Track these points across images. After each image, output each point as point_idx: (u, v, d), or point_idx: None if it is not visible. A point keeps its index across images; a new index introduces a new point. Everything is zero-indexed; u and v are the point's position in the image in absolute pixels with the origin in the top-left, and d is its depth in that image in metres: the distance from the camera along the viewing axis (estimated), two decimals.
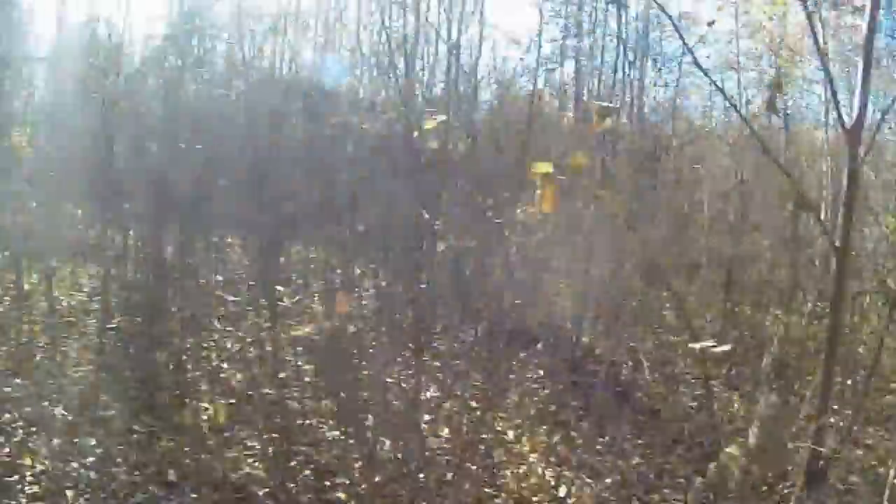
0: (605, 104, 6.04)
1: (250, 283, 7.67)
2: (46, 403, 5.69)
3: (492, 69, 11.02)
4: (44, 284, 6.95)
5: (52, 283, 6.76)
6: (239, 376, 6.43)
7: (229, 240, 8.84)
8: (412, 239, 6.22)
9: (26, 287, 7.08)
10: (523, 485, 5.11)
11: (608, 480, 5.33)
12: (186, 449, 5.29)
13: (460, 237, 6.16)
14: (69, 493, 4.76)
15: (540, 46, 10.82)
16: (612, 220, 6.04)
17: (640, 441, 5.93)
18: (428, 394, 5.72)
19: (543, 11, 11.06)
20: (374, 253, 7.63)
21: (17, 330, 6.47)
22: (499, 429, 5.49)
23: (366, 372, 5.62)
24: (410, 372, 5.68)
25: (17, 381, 5.95)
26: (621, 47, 9.89)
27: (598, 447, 5.74)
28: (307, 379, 6.24)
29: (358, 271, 7.33)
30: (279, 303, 6.15)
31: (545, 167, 3.57)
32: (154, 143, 7.41)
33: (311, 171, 8.03)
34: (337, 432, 5.70)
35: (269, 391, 5.88)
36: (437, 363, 5.75)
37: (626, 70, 10.13)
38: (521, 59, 10.25)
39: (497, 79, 10.60)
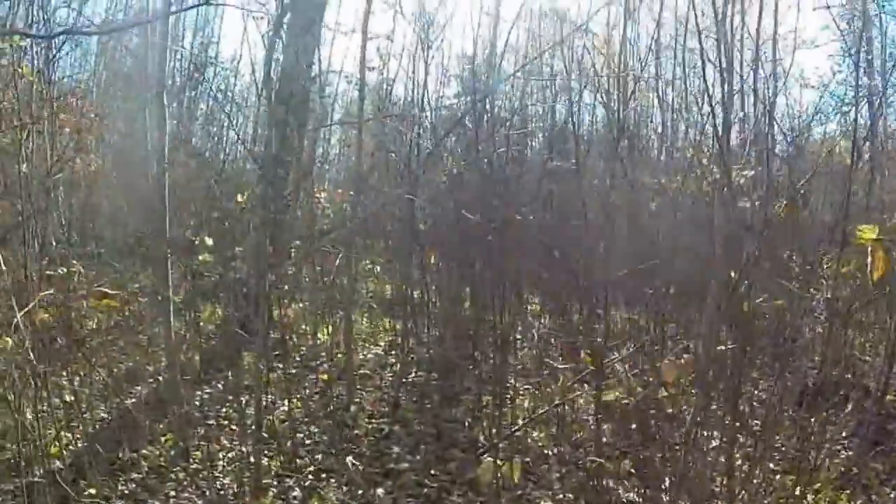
0: None
1: (549, 342, 7.26)
2: (338, 452, 5.53)
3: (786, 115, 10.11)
4: (340, 336, 6.89)
5: (351, 336, 6.67)
6: (535, 435, 5.99)
7: (529, 298, 8.50)
8: (722, 300, 5.65)
9: (322, 338, 7.07)
10: None
11: None
12: None
13: (770, 296, 5.61)
14: None
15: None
16: None
17: None
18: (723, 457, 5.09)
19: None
20: (685, 315, 7.11)
21: (311, 380, 6.40)
22: (797, 493, 4.72)
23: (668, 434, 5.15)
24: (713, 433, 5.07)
25: (312, 428, 5.86)
26: None
27: None
28: (605, 439, 5.75)
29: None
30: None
31: (871, 232, 3.06)
32: (453, 202, 7.27)
33: (620, 231, 7.58)
34: (633, 494, 5.13)
35: (565, 450, 5.53)
36: (737, 423, 5.09)
37: None
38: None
39: (791, 126, 9.61)
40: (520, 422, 5.92)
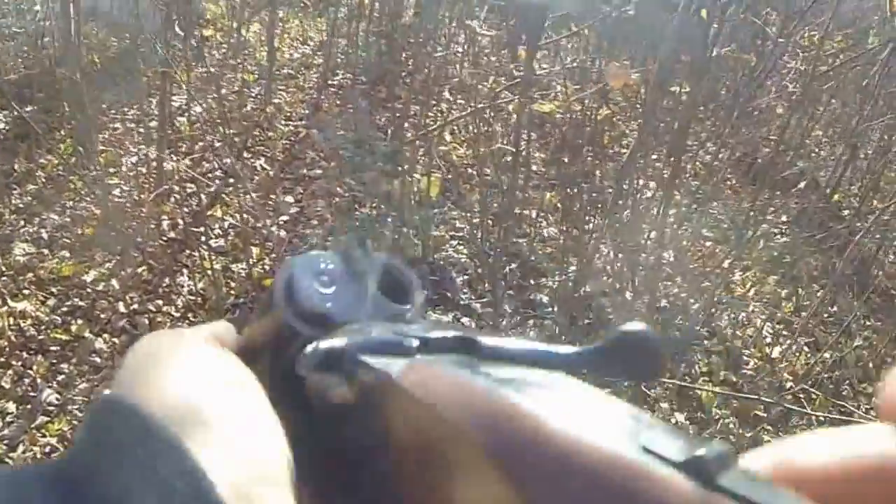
0: None
1: (494, 56, 6.97)
2: (248, 155, 5.49)
3: None
4: (266, 34, 6.57)
5: (274, 34, 6.32)
6: (461, 151, 5.92)
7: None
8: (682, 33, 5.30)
9: (247, 36, 6.74)
10: (738, 333, 4.42)
11: (826, 355, 4.38)
12: (389, 220, 4.95)
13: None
14: (254, 249, 4.54)
15: None
16: None
17: (868, 323, 4.97)
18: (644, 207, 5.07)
19: None
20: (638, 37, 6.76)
21: (229, 79, 6.20)
22: (724, 266, 4.74)
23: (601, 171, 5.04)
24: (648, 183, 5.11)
25: (226, 130, 5.64)
26: None
27: (826, 316, 4.87)
28: (535, 167, 5.66)
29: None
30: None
31: None
32: None
33: None
34: (555, 229, 5.17)
35: (490, 172, 5.32)
36: (676, 179, 4.98)
37: None
38: None
39: None
40: (448, 137, 5.78)
